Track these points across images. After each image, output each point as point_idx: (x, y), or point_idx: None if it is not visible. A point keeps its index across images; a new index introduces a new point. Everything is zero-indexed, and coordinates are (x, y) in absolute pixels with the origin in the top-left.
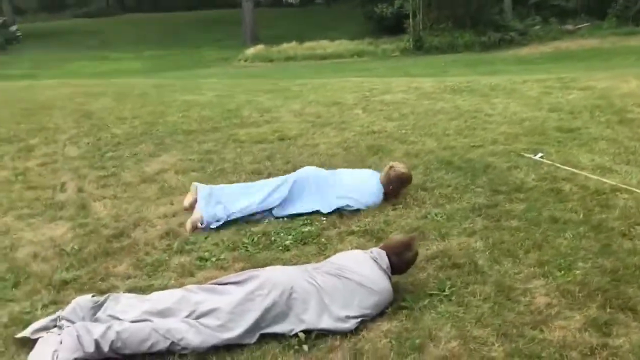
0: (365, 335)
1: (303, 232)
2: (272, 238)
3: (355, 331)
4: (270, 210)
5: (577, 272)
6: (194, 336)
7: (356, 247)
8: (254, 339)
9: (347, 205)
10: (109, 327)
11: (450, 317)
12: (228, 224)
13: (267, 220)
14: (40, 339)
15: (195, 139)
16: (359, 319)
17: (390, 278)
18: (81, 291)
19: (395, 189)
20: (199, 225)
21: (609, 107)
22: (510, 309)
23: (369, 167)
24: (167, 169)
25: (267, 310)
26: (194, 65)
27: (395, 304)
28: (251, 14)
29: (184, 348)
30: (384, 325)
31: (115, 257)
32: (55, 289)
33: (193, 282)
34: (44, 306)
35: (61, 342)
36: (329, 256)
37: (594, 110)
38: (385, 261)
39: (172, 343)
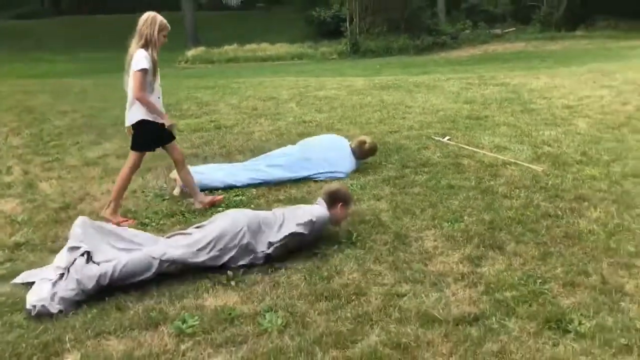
0: (283, 272)
1: (235, 201)
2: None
3: (274, 269)
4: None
5: (462, 223)
6: (174, 250)
7: None
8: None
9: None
10: (106, 265)
11: (353, 257)
12: None
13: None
14: (35, 281)
15: None
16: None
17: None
18: (34, 252)
19: (366, 157)
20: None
21: (517, 100)
22: (403, 251)
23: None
24: (109, 154)
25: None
26: None
27: (309, 251)
28: (192, 16)
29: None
30: (299, 265)
31: (64, 225)
32: (10, 250)
33: None
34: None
35: (60, 282)
36: None
37: (503, 102)
38: (319, 199)
39: (160, 262)
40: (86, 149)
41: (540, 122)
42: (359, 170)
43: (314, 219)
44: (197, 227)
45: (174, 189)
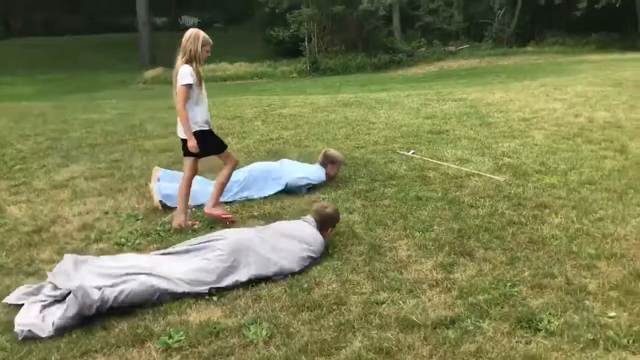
0: (263, 285)
1: (208, 218)
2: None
3: (255, 283)
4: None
5: (433, 233)
6: (178, 287)
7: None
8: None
9: (308, 181)
10: (109, 290)
11: (331, 269)
12: None
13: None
14: (25, 304)
15: (102, 151)
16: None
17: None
18: (9, 275)
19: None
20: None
21: (475, 114)
22: (378, 260)
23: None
24: (76, 176)
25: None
26: (90, 89)
27: None
28: (149, 37)
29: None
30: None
31: (37, 247)
32: None
33: None
34: None
35: (66, 308)
36: None
37: (462, 116)
38: (311, 219)
39: (160, 295)
40: (53, 172)
41: (498, 134)
42: (330, 184)
43: (315, 255)
44: (190, 250)
45: (153, 199)
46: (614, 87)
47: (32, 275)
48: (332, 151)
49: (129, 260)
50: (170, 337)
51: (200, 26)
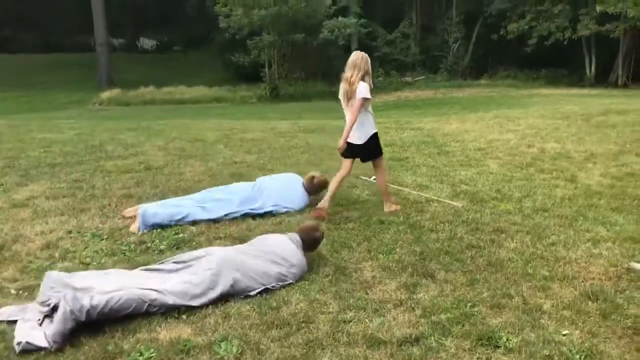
0: (232, 304)
1: (176, 239)
2: (148, 245)
3: (224, 301)
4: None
5: (396, 255)
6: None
7: None
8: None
9: (280, 209)
10: (99, 296)
11: (299, 289)
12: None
13: (142, 232)
14: (19, 320)
15: (62, 171)
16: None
17: (302, 250)
18: None
19: (317, 192)
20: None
21: (432, 143)
22: (344, 281)
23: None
24: (37, 195)
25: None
26: (45, 108)
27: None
28: (106, 57)
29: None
30: (248, 298)
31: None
32: None
33: None
34: None
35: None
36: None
37: (420, 145)
38: (297, 239)
39: (149, 305)
40: (12, 191)
41: (456, 163)
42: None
43: (295, 274)
44: (181, 262)
45: (131, 225)
46: (563, 120)
47: None
48: (321, 177)
49: (114, 275)
50: (140, 354)
51: (158, 49)
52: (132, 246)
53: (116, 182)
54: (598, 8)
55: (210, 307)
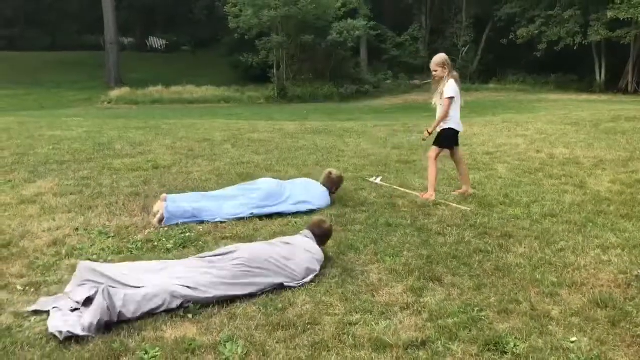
0: (238, 304)
1: (183, 238)
2: (155, 243)
3: (230, 301)
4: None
5: (403, 258)
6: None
7: None
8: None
9: (306, 206)
10: (130, 295)
11: (305, 290)
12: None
13: (147, 231)
14: (54, 309)
15: (70, 168)
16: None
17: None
18: None
19: (337, 188)
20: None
21: None
22: (351, 283)
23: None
24: (45, 192)
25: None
26: (54, 106)
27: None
28: (116, 56)
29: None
30: (254, 299)
31: (6, 262)
32: None
33: None
34: None
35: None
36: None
37: (428, 148)
38: (309, 234)
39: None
40: (20, 187)
41: None
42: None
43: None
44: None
45: (155, 216)
46: (571, 126)
47: (2, 290)
48: (337, 173)
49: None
50: (146, 352)
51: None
52: (139, 244)
53: (124, 180)
54: (609, 14)
55: (216, 306)
